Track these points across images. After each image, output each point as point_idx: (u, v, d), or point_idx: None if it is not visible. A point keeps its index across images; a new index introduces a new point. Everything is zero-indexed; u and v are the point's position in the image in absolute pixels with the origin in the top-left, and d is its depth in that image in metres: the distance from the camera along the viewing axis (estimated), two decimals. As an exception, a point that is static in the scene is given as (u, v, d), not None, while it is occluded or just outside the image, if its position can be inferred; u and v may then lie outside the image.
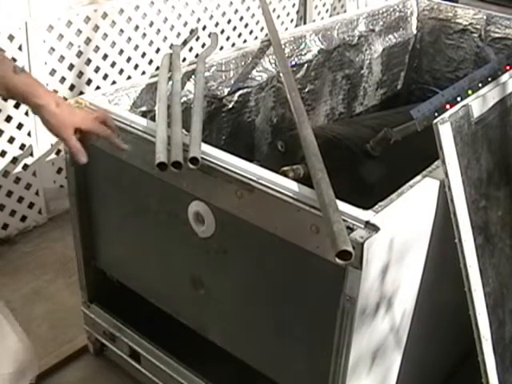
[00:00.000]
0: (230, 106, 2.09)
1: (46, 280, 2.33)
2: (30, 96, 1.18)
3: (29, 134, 2.48)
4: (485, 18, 2.61)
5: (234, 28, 3.28)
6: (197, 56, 2.42)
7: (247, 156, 1.47)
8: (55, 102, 1.19)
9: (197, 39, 3.03)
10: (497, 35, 2.59)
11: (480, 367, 1.43)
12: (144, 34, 2.80)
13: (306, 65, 2.32)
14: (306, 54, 2.30)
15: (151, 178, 1.47)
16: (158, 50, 2.87)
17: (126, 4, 2.68)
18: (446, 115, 1.34)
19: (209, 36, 3.00)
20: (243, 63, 2.10)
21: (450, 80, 2.66)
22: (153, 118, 1.61)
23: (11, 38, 2.31)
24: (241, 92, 2.11)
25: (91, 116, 1.31)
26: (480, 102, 1.45)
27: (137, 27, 2.76)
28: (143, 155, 1.47)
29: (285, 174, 1.58)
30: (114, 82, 2.72)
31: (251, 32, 3.39)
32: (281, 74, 1.95)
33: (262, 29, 3.39)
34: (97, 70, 2.66)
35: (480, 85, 1.75)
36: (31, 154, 2.52)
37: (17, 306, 2.13)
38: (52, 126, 1.21)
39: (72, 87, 2.59)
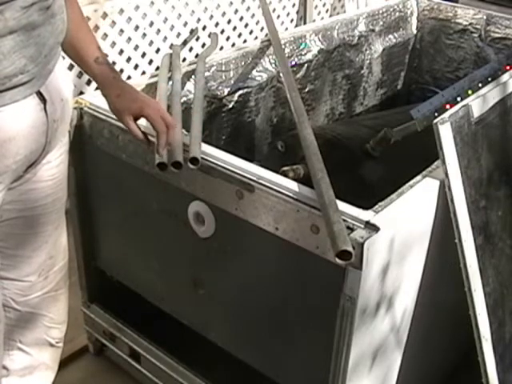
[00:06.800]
0: (230, 106, 2.09)
1: (46, 280, 2.33)
2: (97, 83, 1.35)
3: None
4: (485, 18, 2.61)
5: (234, 28, 3.28)
6: (197, 56, 2.42)
7: (247, 156, 1.47)
8: (116, 93, 1.32)
9: (197, 39, 3.03)
10: (497, 35, 2.58)
11: (480, 367, 1.43)
12: (144, 34, 2.80)
13: (306, 65, 2.31)
14: (306, 54, 2.30)
15: (151, 177, 1.47)
16: (158, 50, 2.87)
17: (125, 4, 2.67)
18: (445, 115, 1.33)
19: (209, 36, 3.00)
20: (243, 63, 2.10)
21: (450, 80, 2.66)
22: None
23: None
24: (241, 92, 2.11)
25: (156, 107, 1.34)
26: (480, 102, 1.45)
27: (137, 27, 2.75)
28: (143, 155, 1.47)
29: (285, 174, 1.58)
30: (114, 82, 2.71)
31: (251, 32, 3.39)
32: (281, 74, 1.94)
33: (262, 29, 3.39)
34: (97, 70, 2.66)
35: (480, 85, 1.75)
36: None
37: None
38: (112, 113, 1.37)
39: (72, 87, 2.59)
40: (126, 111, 1.32)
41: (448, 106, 1.55)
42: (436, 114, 1.53)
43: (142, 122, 1.36)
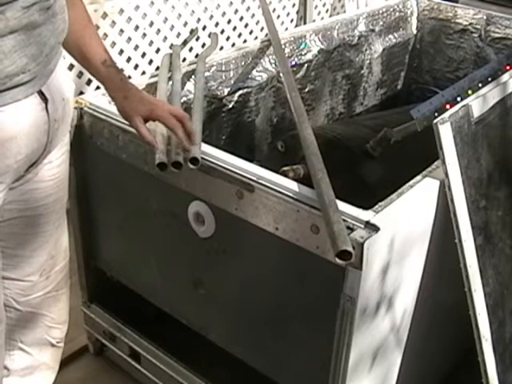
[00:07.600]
0: (230, 105, 2.09)
1: (46, 280, 2.32)
2: (104, 86, 1.35)
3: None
4: (485, 18, 2.61)
5: (234, 28, 3.28)
6: (197, 56, 2.42)
7: (247, 156, 1.47)
8: (123, 95, 1.32)
9: (197, 39, 3.03)
10: (497, 35, 2.59)
11: (480, 367, 1.43)
12: (144, 34, 2.80)
13: (306, 65, 2.32)
14: (306, 54, 2.30)
15: (151, 178, 1.47)
16: (158, 50, 2.87)
17: (125, 4, 2.67)
18: (445, 115, 1.34)
19: (209, 36, 3.00)
20: (243, 63, 2.10)
21: (450, 80, 2.66)
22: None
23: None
24: (241, 92, 2.11)
25: (165, 107, 1.34)
26: (480, 102, 1.45)
27: (137, 27, 2.75)
28: (143, 155, 1.47)
29: (285, 174, 1.58)
30: (114, 82, 2.71)
31: (251, 32, 3.39)
32: (281, 74, 1.95)
33: (262, 29, 3.39)
34: (97, 70, 2.66)
35: (480, 85, 1.75)
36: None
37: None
38: (120, 115, 1.36)
39: (72, 87, 2.59)
40: (135, 113, 1.32)
41: (448, 106, 1.55)
42: (436, 114, 1.53)
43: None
